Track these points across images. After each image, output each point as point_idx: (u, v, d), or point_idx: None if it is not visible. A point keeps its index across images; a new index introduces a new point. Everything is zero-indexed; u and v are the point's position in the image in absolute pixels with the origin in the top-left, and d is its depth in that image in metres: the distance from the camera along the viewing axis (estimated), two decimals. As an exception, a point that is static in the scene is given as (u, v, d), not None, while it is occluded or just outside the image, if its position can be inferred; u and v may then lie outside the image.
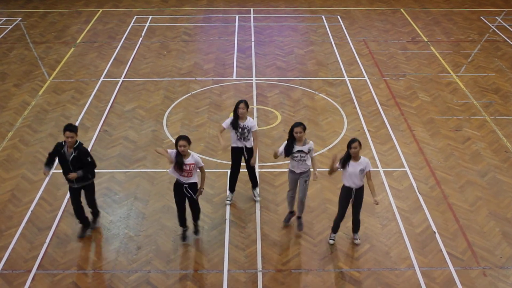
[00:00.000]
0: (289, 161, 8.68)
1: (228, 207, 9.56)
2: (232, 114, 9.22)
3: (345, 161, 8.19)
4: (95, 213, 9.05)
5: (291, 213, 9.14)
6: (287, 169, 8.79)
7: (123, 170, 10.57)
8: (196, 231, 8.89)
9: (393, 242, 8.89)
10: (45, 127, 12.00)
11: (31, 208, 9.55)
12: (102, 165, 10.59)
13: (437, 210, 9.62)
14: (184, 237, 8.83)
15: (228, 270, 8.30)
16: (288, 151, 8.44)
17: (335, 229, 8.79)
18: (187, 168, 8.11)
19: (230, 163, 9.51)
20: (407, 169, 10.68)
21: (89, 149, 11.14)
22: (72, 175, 8.24)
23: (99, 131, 11.83)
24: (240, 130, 9.01)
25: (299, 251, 8.71)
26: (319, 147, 11.29)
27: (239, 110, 8.91)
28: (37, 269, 8.29)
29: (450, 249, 8.76)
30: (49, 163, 8.46)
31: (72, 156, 8.20)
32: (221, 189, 10.01)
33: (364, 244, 8.71)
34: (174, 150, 8.14)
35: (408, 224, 9.28)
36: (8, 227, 9.14)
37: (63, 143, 8.26)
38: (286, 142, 8.51)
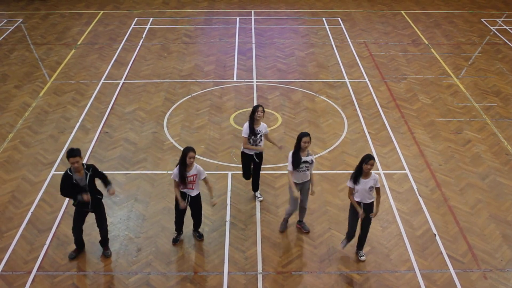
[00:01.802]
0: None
1: (228, 209, 9.56)
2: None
3: (356, 176, 7.92)
4: (107, 240, 8.59)
5: (286, 220, 9.11)
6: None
7: (123, 172, 10.56)
8: (200, 236, 8.89)
9: (394, 245, 8.88)
10: (45, 128, 12.00)
11: (32, 210, 9.54)
12: (102, 167, 10.59)
13: (437, 212, 9.61)
14: (176, 240, 8.85)
15: (228, 272, 8.29)
16: (297, 164, 8.33)
17: (349, 238, 8.50)
18: (191, 179, 8.14)
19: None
20: (407, 171, 10.67)
21: (89, 151, 11.16)
22: (112, 191, 7.99)
23: (100, 132, 11.83)
24: (254, 136, 9.02)
25: (299, 253, 8.70)
26: (320, 149, 11.28)
27: (257, 114, 8.90)
28: (37, 270, 8.28)
29: (450, 251, 8.75)
30: (73, 193, 7.82)
31: (88, 176, 7.78)
32: (221, 191, 10.01)
33: (365, 247, 8.69)
34: (176, 169, 8.12)
35: (408, 226, 9.27)
36: (8, 229, 9.13)
37: (70, 172, 7.74)
38: (292, 153, 8.38)
